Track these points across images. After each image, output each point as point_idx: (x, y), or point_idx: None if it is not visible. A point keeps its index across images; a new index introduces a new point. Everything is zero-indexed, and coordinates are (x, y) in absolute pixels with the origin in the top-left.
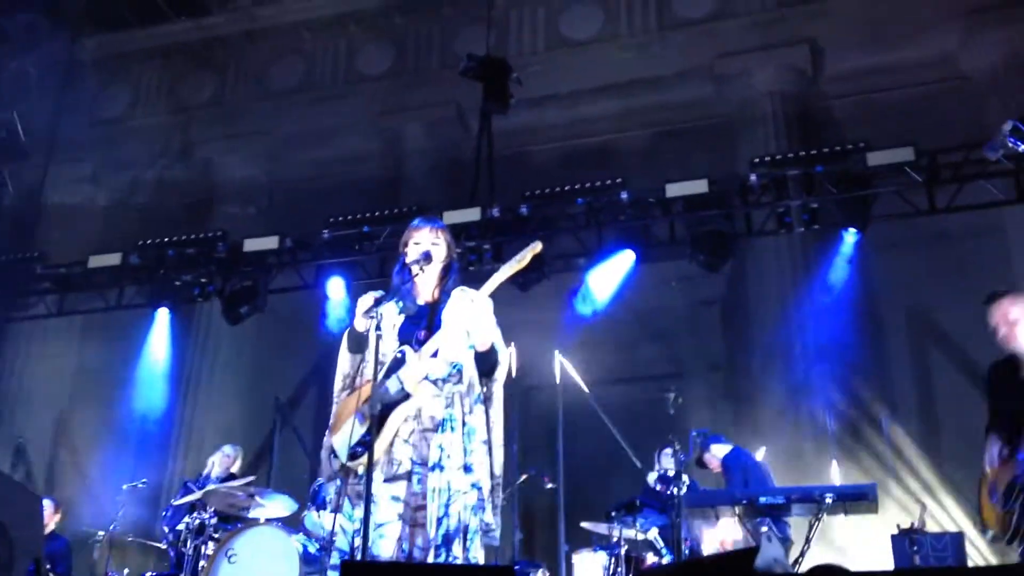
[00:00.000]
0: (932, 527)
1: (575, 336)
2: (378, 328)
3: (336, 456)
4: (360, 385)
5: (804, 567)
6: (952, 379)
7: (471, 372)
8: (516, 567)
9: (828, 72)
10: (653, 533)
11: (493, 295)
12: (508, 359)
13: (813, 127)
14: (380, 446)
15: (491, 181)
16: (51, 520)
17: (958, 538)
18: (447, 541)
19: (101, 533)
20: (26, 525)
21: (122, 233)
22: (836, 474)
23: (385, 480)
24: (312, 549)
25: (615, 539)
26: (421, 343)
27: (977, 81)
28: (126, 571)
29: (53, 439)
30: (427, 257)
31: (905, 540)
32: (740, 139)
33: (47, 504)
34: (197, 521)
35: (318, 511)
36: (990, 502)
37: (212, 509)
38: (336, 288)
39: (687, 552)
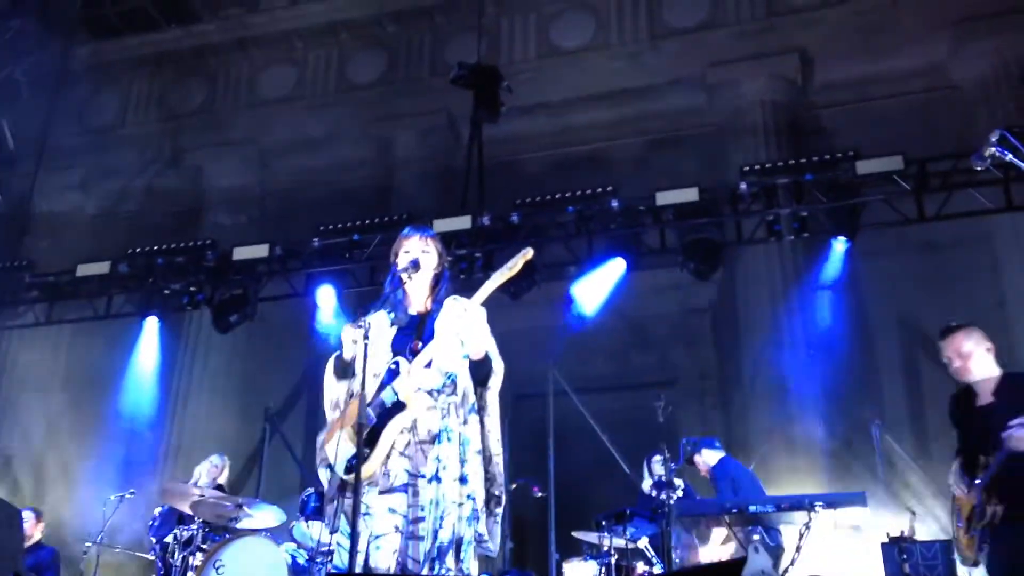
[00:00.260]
0: (922, 535)
1: (566, 344)
2: (366, 337)
3: (334, 471)
4: (353, 398)
5: None
6: (942, 387)
7: (465, 382)
8: None
9: (818, 81)
10: (643, 542)
11: (484, 303)
12: (502, 368)
13: (803, 136)
14: (376, 459)
15: (482, 189)
16: (34, 530)
17: (948, 546)
18: (441, 554)
19: (89, 543)
20: (5, 538)
21: (111, 241)
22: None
23: (381, 492)
24: (301, 559)
25: (606, 548)
26: (415, 353)
27: (966, 90)
28: None
29: (41, 449)
30: (415, 265)
31: (895, 548)
32: (730, 148)
33: (28, 515)
34: (185, 531)
35: (307, 521)
36: (957, 525)
37: (200, 519)
38: (326, 296)
39: (677, 561)
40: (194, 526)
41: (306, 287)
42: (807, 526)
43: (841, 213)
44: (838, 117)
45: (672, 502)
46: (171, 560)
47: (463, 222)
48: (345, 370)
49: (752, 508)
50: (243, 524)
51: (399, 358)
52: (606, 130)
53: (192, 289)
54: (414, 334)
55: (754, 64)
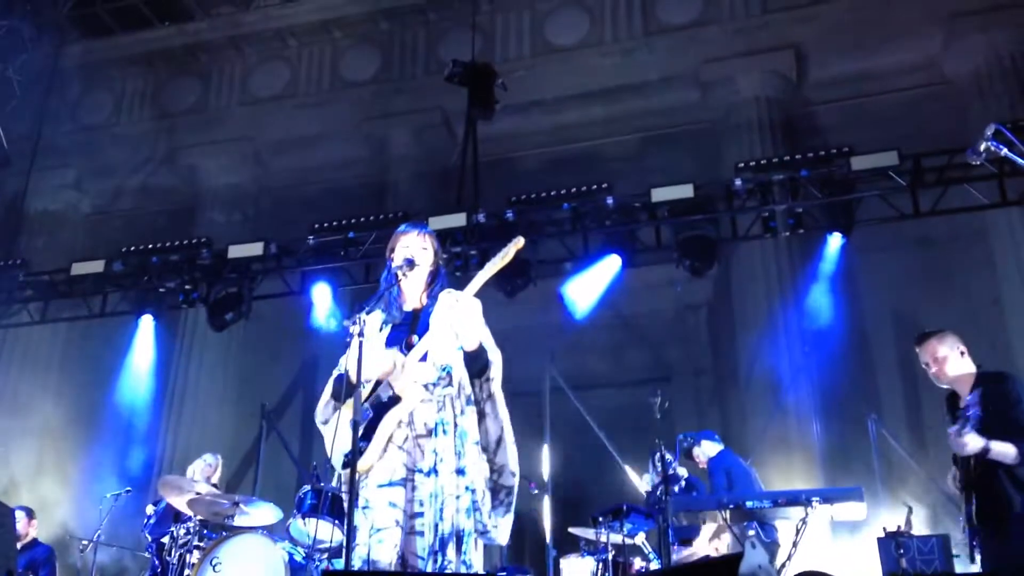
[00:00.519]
0: (919, 530)
1: (562, 341)
2: (361, 334)
3: (333, 467)
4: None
5: (791, 571)
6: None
7: (460, 374)
8: (503, 573)
9: (812, 77)
10: (640, 538)
11: (479, 298)
12: (500, 358)
13: (797, 132)
14: (373, 452)
15: (476, 186)
16: (27, 529)
17: (944, 541)
18: (443, 546)
19: (86, 541)
20: None
21: (106, 240)
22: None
23: (379, 486)
24: (298, 557)
25: (603, 544)
26: (410, 348)
27: (960, 85)
28: None
29: (38, 447)
30: (410, 263)
31: (892, 543)
32: (725, 144)
33: (20, 514)
34: (182, 529)
35: (304, 519)
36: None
37: (197, 517)
38: (322, 294)
39: (675, 557)
40: (191, 524)
41: (301, 285)
42: (804, 521)
43: (836, 209)
44: (833, 113)
45: (668, 498)
46: (168, 558)
47: (458, 219)
48: (341, 393)
49: (749, 503)
50: (240, 522)
51: (395, 351)
52: (601, 127)
53: (187, 287)
54: (409, 329)
55: (748, 60)
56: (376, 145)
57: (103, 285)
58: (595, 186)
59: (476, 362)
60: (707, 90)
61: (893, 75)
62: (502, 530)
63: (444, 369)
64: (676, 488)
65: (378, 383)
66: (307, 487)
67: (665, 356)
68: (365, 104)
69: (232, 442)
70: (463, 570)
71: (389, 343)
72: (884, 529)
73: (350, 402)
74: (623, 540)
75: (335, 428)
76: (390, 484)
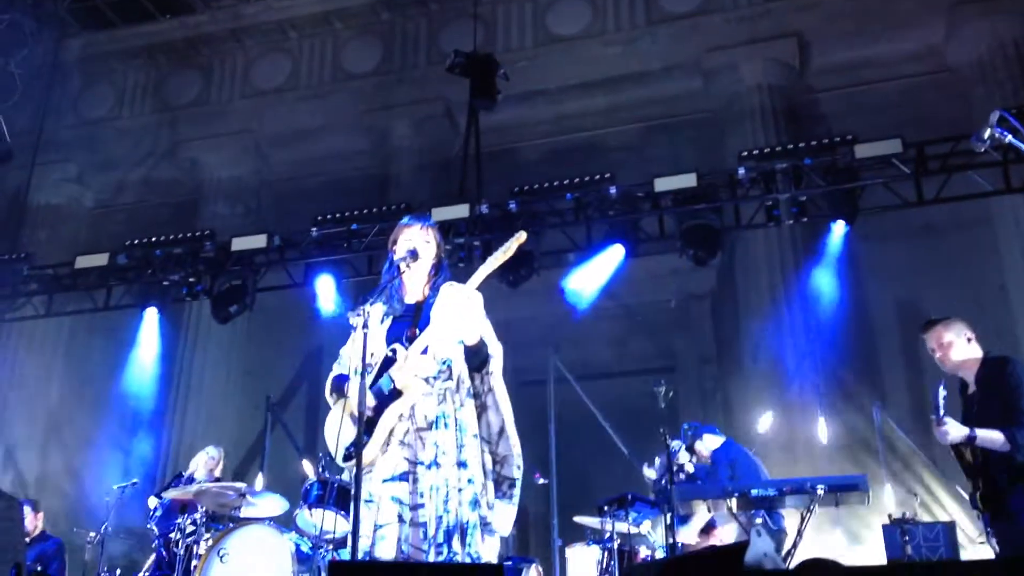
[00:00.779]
0: (924, 517)
1: (566, 332)
2: (365, 326)
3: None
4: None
5: (797, 559)
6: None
7: (460, 367)
8: (509, 562)
9: (815, 66)
10: (646, 527)
11: (482, 292)
12: (500, 351)
13: (801, 120)
14: (375, 447)
15: (479, 177)
16: (33, 523)
17: (950, 528)
18: (448, 538)
19: (93, 533)
20: (5, 530)
21: (109, 233)
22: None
23: (384, 481)
24: (305, 547)
25: (608, 533)
26: (411, 341)
27: (963, 72)
28: (118, 571)
29: (43, 440)
30: (413, 255)
31: (897, 530)
32: (728, 133)
33: (25, 509)
34: (188, 521)
35: (310, 509)
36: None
37: (203, 508)
38: (325, 286)
39: (679, 546)
40: (197, 515)
41: (305, 277)
42: (809, 509)
43: (840, 197)
44: (836, 101)
45: (672, 486)
46: (175, 549)
47: (461, 210)
48: (338, 392)
49: (754, 492)
50: (246, 513)
51: (396, 345)
52: (603, 117)
53: (191, 280)
54: (411, 322)
55: (751, 49)
56: (378, 136)
57: (107, 278)
58: (598, 176)
59: (476, 356)
60: (710, 79)
61: (896, 62)
62: (505, 521)
63: (444, 363)
64: (682, 476)
65: (380, 372)
66: (312, 478)
67: (669, 346)
68: (367, 95)
69: (237, 433)
70: (468, 562)
71: (390, 335)
72: (889, 516)
73: (345, 401)
74: (628, 529)
75: (335, 422)
76: (393, 479)
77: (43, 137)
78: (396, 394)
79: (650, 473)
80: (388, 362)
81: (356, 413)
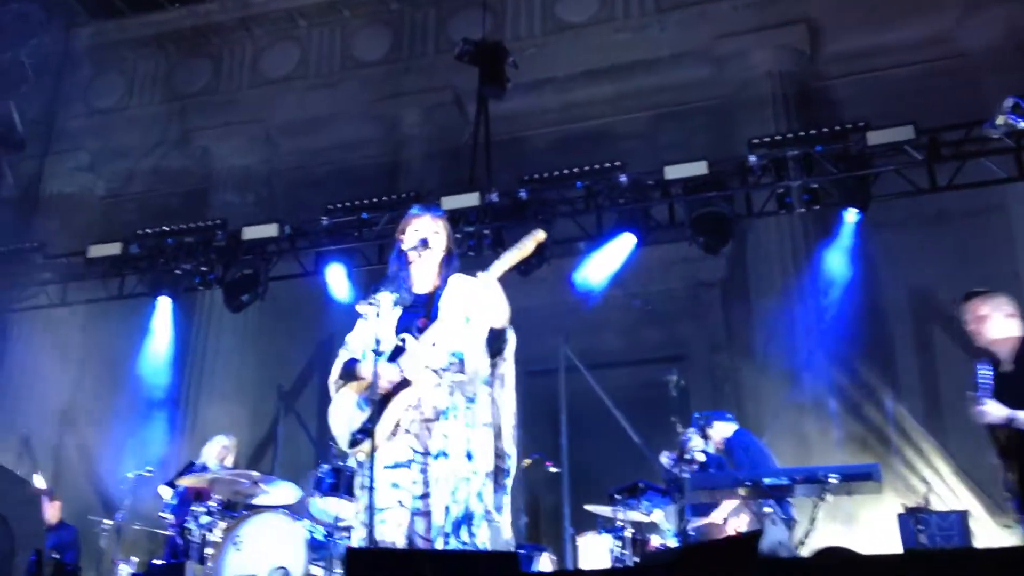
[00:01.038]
0: (937, 506)
1: (577, 320)
2: (378, 316)
3: (336, 444)
4: (364, 370)
5: (809, 548)
6: (955, 358)
7: (475, 360)
8: (521, 551)
9: (826, 52)
10: (658, 515)
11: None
12: (514, 337)
13: (812, 107)
14: (381, 434)
15: (489, 166)
16: (49, 511)
17: (964, 517)
18: (455, 528)
19: (108, 521)
20: (26, 518)
21: (121, 222)
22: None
23: (385, 467)
24: (319, 535)
25: (619, 522)
26: (421, 331)
27: (975, 58)
28: (134, 559)
29: (59, 429)
30: (424, 244)
31: (911, 519)
32: (739, 120)
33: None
34: (202, 509)
35: (323, 497)
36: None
37: (218, 496)
38: (336, 275)
39: (692, 535)
40: (212, 503)
41: (316, 266)
42: (822, 498)
43: (852, 184)
44: (847, 88)
45: (684, 476)
46: (190, 537)
47: (471, 199)
48: (347, 376)
49: (767, 480)
50: (260, 501)
51: (406, 335)
52: (613, 104)
53: (203, 269)
54: (422, 312)
55: (762, 35)
56: (387, 125)
57: (120, 267)
58: (608, 164)
59: (498, 340)
60: (720, 66)
61: (908, 48)
62: (504, 512)
63: (454, 355)
64: (694, 467)
65: (390, 361)
66: (325, 466)
67: (680, 334)
68: (376, 84)
69: (250, 422)
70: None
71: (400, 325)
72: (904, 506)
73: (354, 383)
74: (640, 517)
75: (342, 406)
76: (395, 466)
77: (54, 126)
78: (405, 384)
79: (665, 460)
80: (397, 351)
81: (374, 391)
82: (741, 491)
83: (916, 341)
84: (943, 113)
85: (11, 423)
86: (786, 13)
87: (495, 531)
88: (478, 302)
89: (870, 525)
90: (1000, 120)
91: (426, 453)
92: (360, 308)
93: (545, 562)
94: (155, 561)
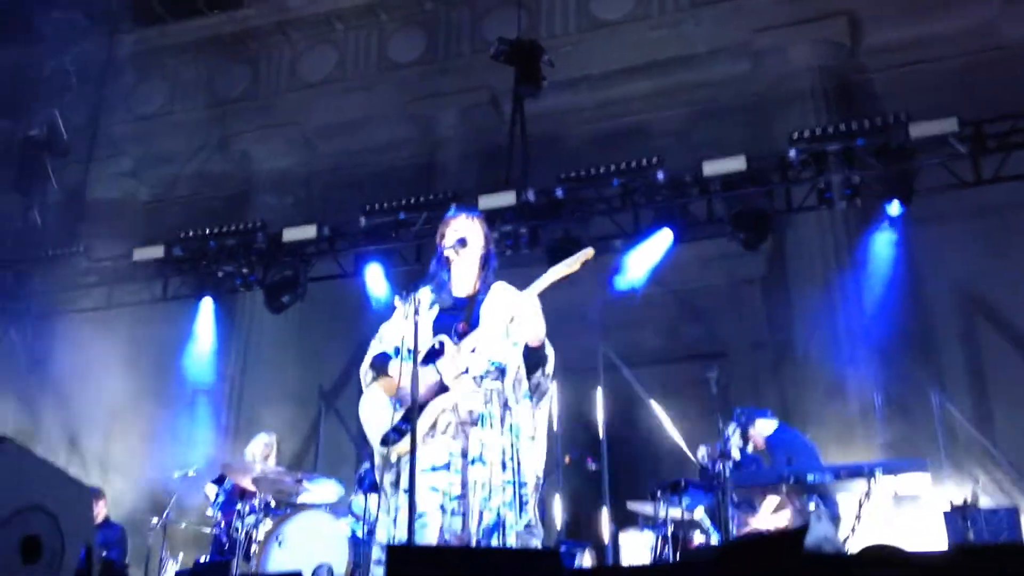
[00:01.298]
0: (985, 503)
1: (615, 318)
2: (417, 312)
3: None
4: (396, 372)
5: (854, 545)
6: (1002, 353)
7: (516, 369)
8: (562, 548)
9: (867, 44)
10: (700, 512)
11: (532, 281)
12: (553, 354)
13: (853, 101)
14: (417, 436)
15: (525, 165)
16: (96, 510)
17: (1013, 514)
18: (487, 534)
19: (155, 519)
20: (75, 513)
21: (164, 226)
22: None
23: (423, 471)
24: (360, 533)
25: (661, 519)
26: (460, 335)
27: (1018, 49)
28: (180, 555)
29: (106, 429)
30: (463, 243)
31: (958, 516)
32: (777, 115)
33: None
34: (247, 507)
35: (365, 495)
36: None
37: (262, 495)
38: (375, 275)
39: (734, 532)
40: (256, 501)
41: (354, 267)
42: (867, 495)
43: (894, 178)
44: (889, 80)
45: (728, 473)
46: (235, 535)
47: (507, 198)
48: (384, 368)
49: (810, 477)
50: (303, 499)
51: (444, 337)
52: (650, 101)
53: (244, 271)
54: (461, 315)
55: (800, 29)
56: (424, 126)
57: (164, 270)
58: (645, 161)
59: (534, 356)
60: (757, 61)
61: (950, 40)
62: (536, 525)
63: (494, 364)
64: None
65: (426, 361)
66: (367, 464)
67: (719, 332)
68: (412, 85)
69: (292, 422)
70: None
71: (436, 325)
72: (951, 503)
73: (384, 382)
74: (682, 514)
75: (375, 403)
76: (433, 469)
77: (98, 133)
78: (442, 388)
79: (702, 454)
80: (433, 353)
81: (405, 397)
82: (784, 488)
83: (961, 335)
84: (986, 105)
85: (60, 424)
86: (825, 6)
87: (525, 542)
88: (518, 316)
89: (917, 523)
90: None
91: (463, 455)
92: (398, 302)
93: (587, 559)
94: (201, 559)
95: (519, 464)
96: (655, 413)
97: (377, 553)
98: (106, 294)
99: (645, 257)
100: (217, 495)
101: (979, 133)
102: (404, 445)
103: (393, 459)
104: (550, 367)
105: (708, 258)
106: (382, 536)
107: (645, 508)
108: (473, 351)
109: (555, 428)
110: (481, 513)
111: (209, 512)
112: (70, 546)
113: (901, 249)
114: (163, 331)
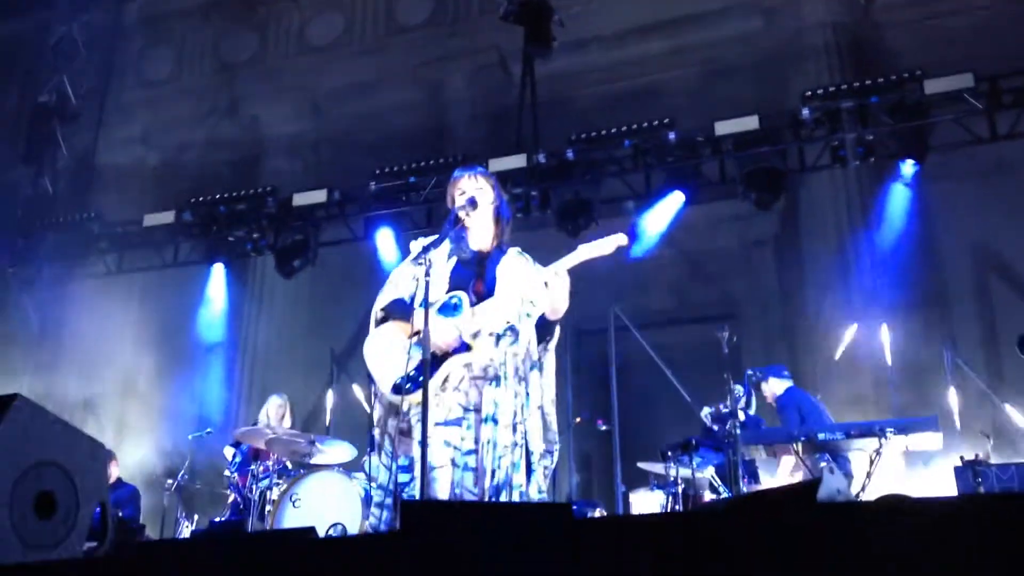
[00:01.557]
0: (997, 460)
1: (626, 279)
2: (427, 275)
3: (375, 384)
4: (410, 319)
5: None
6: (1015, 311)
7: (528, 338)
8: (574, 506)
9: None
10: (710, 471)
11: (544, 245)
12: (559, 332)
13: (866, 57)
14: (430, 388)
15: (535, 127)
16: (110, 470)
17: None
18: (496, 492)
19: (170, 481)
20: (90, 471)
21: (174, 191)
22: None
23: (436, 424)
24: (373, 493)
25: (672, 478)
26: (479, 295)
27: None
28: (196, 517)
29: (121, 392)
30: (473, 203)
31: (969, 471)
32: (790, 73)
33: None
34: (260, 468)
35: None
36: None
37: (276, 456)
38: (385, 239)
39: (745, 491)
40: (270, 463)
41: (365, 231)
42: (878, 452)
43: (908, 135)
44: (903, 36)
45: (737, 431)
46: (249, 495)
47: (518, 161)
48: (404, 314)
49: (821, 436)
50: (316, 460)
51: (461, 293)
52: (660, 61)
53: (255, 236)
54: (475, 271)
55: None
56: (433, 89)
57: (175, 235)
58: (656, 122)
59: (546, 328)
60: (770, 17)
61: None
62: (543, 490)
63: (510, 328)
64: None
65: (441, 310)
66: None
67: (732, 292)
68: (420, 48)
69: (303, 385)
70: None
71: (454, 277)
72: (961, 458)
73: (404, 324)
74: (692, 474)
75: (386, 348)
76: (447, 423)
77: (107, 99)
78: (461, 346)
79: (706, 415)
80: (448, 307)
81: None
82: (796, 447)
83: (974, 294)
84: (1003, 60)
85: (73, 388)
86: None
87: (560, 482)
88: (540, 287)
89: (928, 479)
90: None
91: (476, 410)
92: (414, 246)
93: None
94: (216, 519)
95: (527, 430)
96: (665, 374)
97: (378, 496)
98: (117, 260)
99: (657, 219)
100: (234, 456)
101: (995, 88)
102: (414, 397)
103: (405, 408)
104: (554, 342)
105: (719, 219)
106: (384, 479)
107: (655, 468)
108: (495, 311)
109: (553, 403)
110: (493, 471)
111: (227, 473)
112: (84, 503)
113: (915, 207)
114: (174, 296)
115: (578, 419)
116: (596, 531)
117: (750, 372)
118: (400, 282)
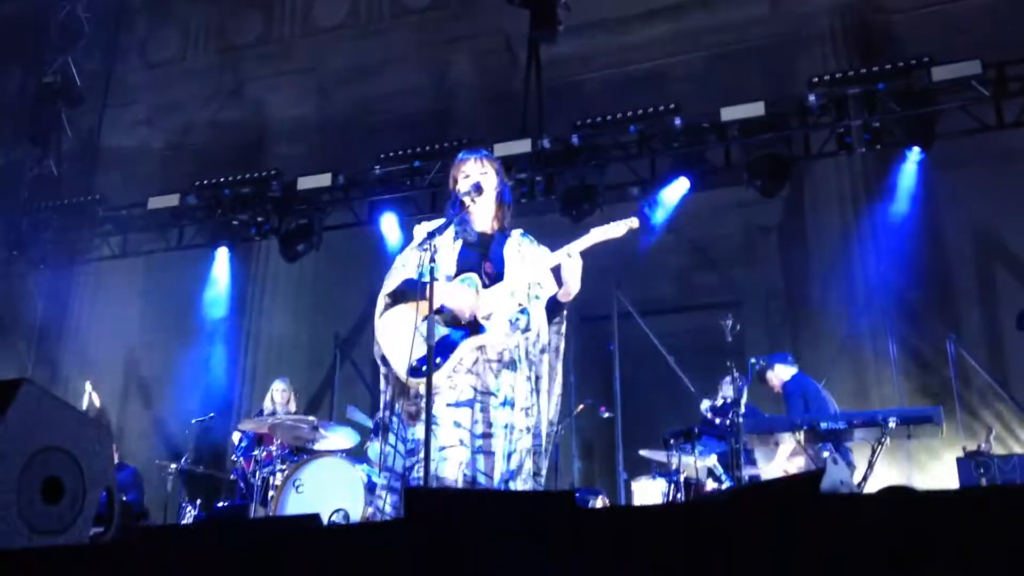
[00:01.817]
0: (1000, 451)
1: (630, 266)
2: (432, 260)
3: (387, 364)
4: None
5: (868, 490)
6: (1018, 299)
7: (540, 321)
8: (576, 494)
9: None
10: (712, 460)
11: (548, 230)
12: (565, 314)
13: (873, 43)
14: (444, 371)
15: (540, 111)
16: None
17: None
18: (511, 475)
19: (173, 465)
20: (96, 455)
21: (179, 174)
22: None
23: (448, 405)
24: (376, 478)
25: (674, 466)
26: (490, 277)
27: None
28: (198, 501)
29: (124, 376)
30: (478, 188)
31: (971, 463)
32: (797, 59)
33: None
34: (264, 453)
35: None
36: None
37: (279, 441)
38: (389, 224)
39: (747, 480)
40: (273, 448)
41: (369, 215)
42: (880, 442)
43: (915, 122)
44: (910, 22)
45: (739, 420)
46: (252, 480)
47: (523, 145)
48: (407, 295)
49: (824, 425)
50: (319, 446)
51: (472, 275)
52: (666, 46)
53: (259, 219)
54: (481, 253)
55: None
56: (438, 72)
57: (179, 218)
58: (662, 107)
59: (556, 311)
60: (777, 3)
61: None
62: (546, 476)
63: (522, 311)
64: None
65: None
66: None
67: (736, 279)
68: (426, 31)
69: (307, 370)
70: None
71: (461, 260)
72: (964, 449)
73: (416, 305)
74: (694, 462)
75: (397, 329)
76: (457, 404)
77: (111, 80)
78: (476, 327)
79: (705, 407)
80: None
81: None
82: (798, 436)
83: (979, 283)
84: (1012, 47)
85: (77, 371)
86: None
87: (562, 471)
88: (547, 269)
89: (930, 470)
90: None
91: (488, 393)
92: (418, 231)
93: (599, 505)
94: (219, 503)
95: (539, 413)
96: (667, 361)
97: (385, 480)
98: (121, 242)
99: (662, 205)
100: (240, 441)
101: (1002, 76)
102: (434, 378)
103: (422, 390)
104: (564, 325)
105: (724, 206)
106: (393, 463)
107: (658, 456)
108: (512, 295)
109: (560, 389)
110: (509, 455)
111: (233, 458)
112: (91, 488)
113: (921, 195)
114: (178, 279)
115: (581, 406)
116: (598, 520)
117: (754, 360)
118: (410, 263)
